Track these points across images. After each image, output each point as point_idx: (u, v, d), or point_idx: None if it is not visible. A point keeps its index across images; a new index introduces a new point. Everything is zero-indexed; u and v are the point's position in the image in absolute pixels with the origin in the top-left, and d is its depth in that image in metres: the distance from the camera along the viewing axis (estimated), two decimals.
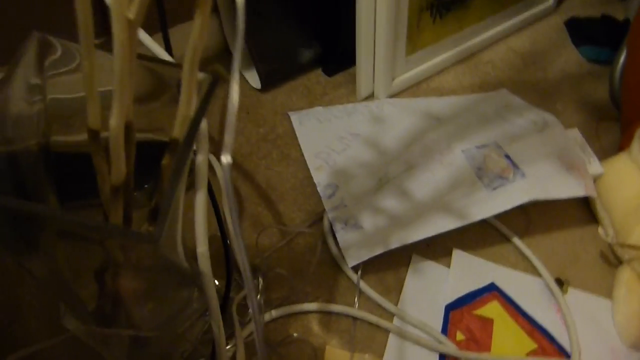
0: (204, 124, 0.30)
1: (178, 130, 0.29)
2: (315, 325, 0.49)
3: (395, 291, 0.52)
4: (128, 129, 0.28)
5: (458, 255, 0.54)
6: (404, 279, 0.53)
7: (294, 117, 0.63)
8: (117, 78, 0.25)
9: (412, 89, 0.70)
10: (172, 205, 0.24)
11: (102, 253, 0.33)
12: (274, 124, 0.63)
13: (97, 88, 0.28)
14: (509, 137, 0.56)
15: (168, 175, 0.30)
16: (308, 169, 0.59)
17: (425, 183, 0.54)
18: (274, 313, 0.48)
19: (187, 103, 0.28)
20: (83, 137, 0.31)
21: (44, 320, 0.45)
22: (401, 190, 0.53)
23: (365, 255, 0.50)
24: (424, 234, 0.50)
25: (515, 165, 0.54)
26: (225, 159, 0.23)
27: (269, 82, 0.66)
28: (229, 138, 0.23)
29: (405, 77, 0.68)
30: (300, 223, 0.55)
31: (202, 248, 0.33)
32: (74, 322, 0.44)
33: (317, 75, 0.69)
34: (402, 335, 0.49)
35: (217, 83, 0.27)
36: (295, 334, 0.48)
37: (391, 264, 0.53)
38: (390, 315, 0.50)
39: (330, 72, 0.69)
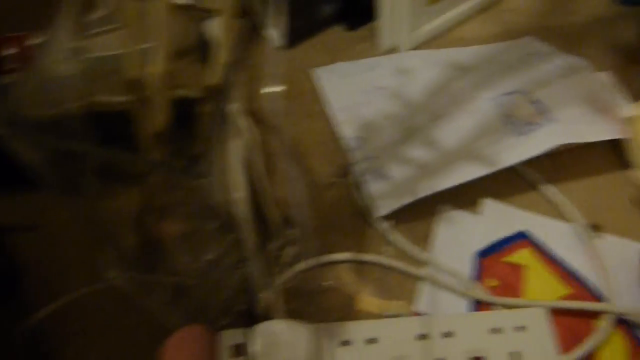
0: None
1: (217, 77, 0.29)
2: (347, 275, 0.50)
3: (424, 240, 0.53)
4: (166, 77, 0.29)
5: (487, 203, 0.54)
6: (433, 228, 0.53)
7: (317, 73, 0.63)
8: (157, 25, 0.26)
9: (434, 41, 0.69)
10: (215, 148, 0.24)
11: (143, 199, 0.34)
12: (298, 80, 0.63)
13: (136, 38, 0.28)
14: (536, 83, 0.56)
15: (206, 122, 0.30)
16: (333, 124, 0.59)
17: (452, 132, 0.54)
18: (307, 263, 0.49)
19: (226, 50, 0.28)
20: (122, 95, 0.31)
21: (86, 273, 0.47)
22: (428, 140, 0.54)
23: (394, 204, 0.50)
24: (452, 182, 0.51)
25: (544, 111, 0.53)
26: (275, 89, 0.24)
27: (292, 38, 0.66)
28: (274, 68, 0.24)
29: (427, 28, 0.67)
30: (328, 176, 0.55)
31: (240, 193, 0.33)
32: (114, 272, 0.46)
33: (338, 31, 0.69)
34: (433, 283, 0.50)
35: (254, 29, 0.28)
36: (328, 283, 0.49)
37: (420, 214, 0.54)
38: (420, 264, 0.51)
39: (351, 27, 0.69)
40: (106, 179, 0.32)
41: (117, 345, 0.44)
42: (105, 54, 0.32)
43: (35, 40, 0.50)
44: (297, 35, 0.66)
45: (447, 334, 0.45)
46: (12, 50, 0.48)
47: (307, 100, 0.61)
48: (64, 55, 0.28)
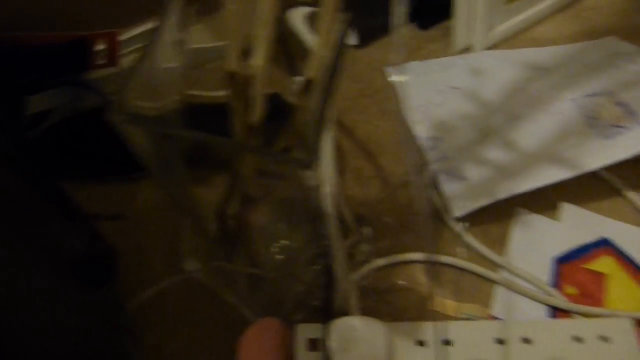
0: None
1: (313, 71, 0.29)
2: (420, 275, 0.50)
3: (499, 243, 0.52)
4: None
5: (567, 208, 0.52)
6: (509, 232, 0.52)
7: (391, 72, 0.63)
8: (262, 17, 0.26)
9: (510, 40, 0.67)
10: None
11: (230, 187, 0.34)
12: (371, 79, 0.63)
13: (238, 31, 0.29)
14: (622, 84, 0.54)
15: (302, 115, 0.31)
16: (407, 123, 0.59)
17: (531, 133, 0.52)
18: (381, 261, 0.49)
19: (325, 43, 0.28)
20: (218, 89, 0.32)
21: (167, 264, 0.48)
22: (506, 141, 0.52)
23: (470, 205, 0.50)
24: (532, 185, 0.49)
25: (632, 113, 0.51)
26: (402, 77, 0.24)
27: (366, 37, 0.66)
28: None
29: (504, 27, 0.66)
30: (401, 175, 0.55)
31: (328, 188, 0.34)
32: (194, 263, 0.47)
33: (412, 30, 0.68)
34: (509, 287, 0.49)
35: (352, 22, 0.28)
36: (402, 283, 0.49)
37: (495, 217, 0.52)
38: (495, 267, 0.50)
39: (425, 25, 0.68)
40: (198, 165, 0.33)
41: (196, 335, 0.45)
42: (203, 46, 0.33)
43: (124, 37, 0.52)
44: (371, 32, 0.66)
45: (526, 340, 0.44)
46: (102, 46, 0.50)
47: (381, 98, 0.61)
48: (170, 48, 0.29)
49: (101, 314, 0.35)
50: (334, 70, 0.26)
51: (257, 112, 0.29)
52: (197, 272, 0.46)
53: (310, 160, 0.22)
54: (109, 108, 0.24)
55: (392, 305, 0.48)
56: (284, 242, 0.43)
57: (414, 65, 0.63)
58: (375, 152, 0.57)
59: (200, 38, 0.33)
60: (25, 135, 0.45)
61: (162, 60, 0.29)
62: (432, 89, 0.60)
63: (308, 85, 0.30)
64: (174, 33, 0.30)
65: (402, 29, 0.67)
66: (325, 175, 0.33)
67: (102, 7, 0.48)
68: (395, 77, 0.62)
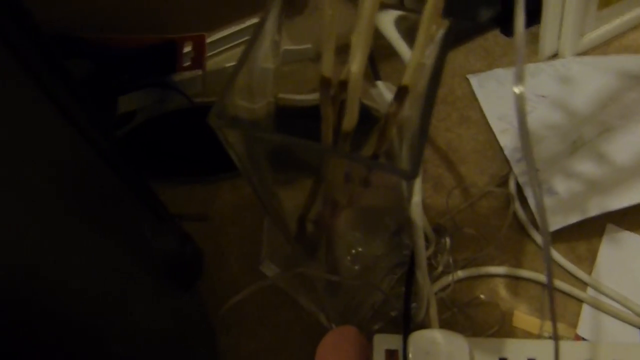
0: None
1: (408, 78, 0.29)
2: (502, 290, 0.48)
3: (587, 261, 0.49)
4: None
5: None
6: (597, 249, 0.49)
7: (474, 79, 0.61)
8: (363, 24, 0.26)
9: (601, 47, 0.64)
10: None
11: (311, 194, 0.34)
12: (452, 86, 0.62)
13: (334, 36, 0.28)
14: None
15: (393, 122, 0.30)
16: (489, 132, 0.57)
17: (627, 146, 0.50)
18: (461, 273, 0.48)
19: (422, 49, 0.28)
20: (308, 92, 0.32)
21: (245, 267, 0.49)
22: (598, 154, 0.50)
23: (560, 222, 0.47)
24: (627, 202, 0.47)
25: None
26: (518, 89, 0.23)
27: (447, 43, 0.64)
28: (519, 69, 0.23)
29: (595, 34, 0.63)
30: (483, 186, 0.53)
31: (417, 197, 0.33)
32: (272, 266, 0.47)
33: (496, 36, 0.66)
34: (598, 307, 0.46)
35: (453, 30, 0.27)
36: (482, 296, 0.47)
37: (582, 233, 0.50)
38: (582, 285, 0.48)
39: (510, 31, 0.66)
40: (286, 168, 0.33)
41: (272, 339, 0.46)
42: (292, 48, 0.33)
43: (210, 39, 0.53)
44: (452, 39, 0.64)
45: None
46: (189, 48, 0.51)
47: (462, 105, 0.59)
48: (269, 50, 0.29)
49: (189, 316, 0.36)
50: (435, 78, 0.25)
51: (352, 119, 0.29)
52: (276, 276, 0.46)
53: (414, 171, 0.21)
54: (210, 112, 0.24)
55: (472, 320, 0.46)
56: (364, 249, 0.43)
57: (498, 72, 0.61)
58: (455, 161, 0.56)
59: (289, 38, 0.33)
60: (115, 134, 0.47)
61: (260, 63, 0.29)
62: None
63: (402, 92, 0.29)
64: (271, 34, 0.30)
65: (486, 35, 0.66)
66: (415, 185, 0.33)
67: (190, 10, 0.49)
68: (477, 85, 0.60)
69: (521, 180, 0.51)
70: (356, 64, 0.27)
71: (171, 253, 0.29)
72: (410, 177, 0.21)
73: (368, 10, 0.25)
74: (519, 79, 0.23)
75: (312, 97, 0.34)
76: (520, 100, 0.23)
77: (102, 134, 0.30)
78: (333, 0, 0.28)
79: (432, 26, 0.27)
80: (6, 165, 0.19)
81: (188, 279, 0.32)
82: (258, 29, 0.27)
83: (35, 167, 0.22)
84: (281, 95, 0.35)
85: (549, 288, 0.29)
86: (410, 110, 0.29)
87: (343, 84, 0.30)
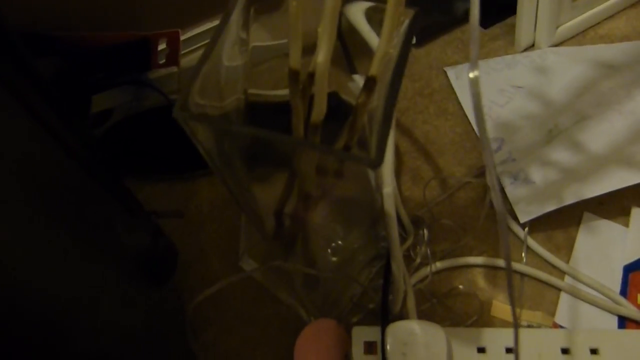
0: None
1: (376, 68, 0.29)
2: (480, 280, 0.48)
3: (564, 250, 0.49)
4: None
5: (639, 213, 0.50)
6: (575, 238, 0.50)
7: (451, 71, 0.61)
8: (327, 15, 0.26)
9: (577, 37, 0.65)
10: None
11: (289, 185, 0.34)
12: (429, 78, 0.62)
13: (300, 28, 0.28)
14: None
15: (363, 114, 0.30)
16: (466, 123, 0.57)
17: (602, 134, 0.50)
18: (439, 265, 0.48)
19: (389, 39, 0.27)
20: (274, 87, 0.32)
21: (225, 263, 0.49)
22: (574, 143, 0.50)
23: (537, 211, 0.48)
24: (602, 189, 0.47)
25: None
26: (473, 74, 0.23)
27: (424, 36, 0.64)
28: (474, 51, 0.23)
29: (571, 24, 0.63)
30: (461, 177, 0.54)
31: (388, 188, 0.33)
32: (250, 262, 0.47)
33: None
34: (576, 295, 0.47)
35: (419, 17, 0.27)
36: (461, 287, 0.47)
37: (560, 222, 0.50)
38: (560, 274, 0.48)
39: (486, 23, 0.66)
40: (258, 163, 0.33)
41: (251, 333, 0.46)
42: (262, 44, 0.33)
43: (185, 36, 0.52)
44: (429, 32, 0.65)
45: (594, 351, 0.42)
46: (164, 46, 0.51)
47: (439, 98, 0.60)
48: (233, 46, 0.29)
49: (164, 312, 0.36)
50: (399, 68, 0.25)
51: (320, 110, 0.29)
52: (254, 271, 0.46)
53: (378, 159, 0.21)
54: (175, 105, 0.24)
55: (451, 310, 0.46)
56: (340, 242, 0.43)
57: None
58: (433, 153, 0.56)
59: (258, 36, 0.33)
60: (90, 133, 0.46)
61: (225, 59, 0.29)
62: (494, 89, 0.58)
63: (370, 82, 0.29)
64: (236, 32, 0.30)
65: (462, 27, 0.66)
66: (386, 175, 0.33)
67: (164, 6, 0.49)
68: (454, 77, 0.61)
69: (498, 170, 0.51)
70: (322, 54, 0.26)
71: (143, 249, 0.29)
72: (375, 165, 0.21)
73: (332, 1, 0.25)
74: (473, 65, 0.23)
75: (283, 93, 0.34)
76: (474, 86, 0.23)
77: (72, 132, 0.29)
78: None
79: (398, 15, 0.27)
80: None
81: (162, 275, 0.32)
82: (221, 26, 0.27)
83: (1, 165, 0.22)
84: (252, 91, 0.34)
85: (508, 268, 0.29)
86: (378, 101, 0.29)
87: (312, 76, 0.30)
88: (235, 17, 0.29)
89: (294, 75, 0.29)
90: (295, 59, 0.29)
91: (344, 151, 0.28)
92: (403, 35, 0.27)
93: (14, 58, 0.26)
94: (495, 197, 0.24)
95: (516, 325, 0.32)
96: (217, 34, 0.27)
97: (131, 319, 0.28)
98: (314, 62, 0.29)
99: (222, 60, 0.28)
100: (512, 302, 0.30)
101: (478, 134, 0.25)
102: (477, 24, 0.24)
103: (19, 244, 0.22)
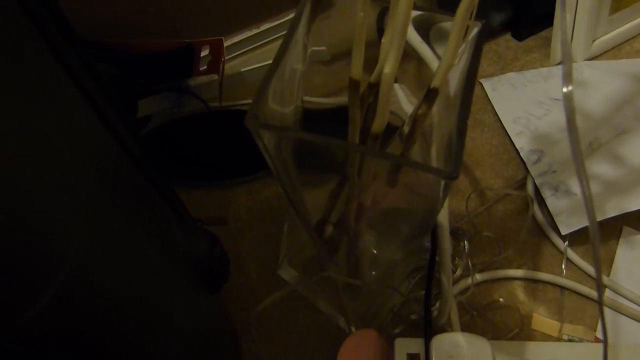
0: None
1: (439, 80, 0.29)
2: (520, 293, 0.48)
3: (604, 264, 0.49)
4: None
5: None
6: (614, 252, 0.49)
7: (487, 83, 0.61)
8: (398, 25, 0.26)
9: (612, 51, 0.65)
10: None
11: (331, 198, 0.34)
12: None
13: (363, 41, 0.28)
14: None
15: (421, 123, 0.30)
16: (503, 135, 0.57)
17: None
18: (479, 277, 0.48)
19: (454, 51, 0.28)
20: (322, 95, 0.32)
21: (263, 271, 0.49)
22: (615, 156, 0.50)
23: (578, 223, 0.47)
24: None
25: None
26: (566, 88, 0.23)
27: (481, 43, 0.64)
28: (566, 67, 0.23)
29: (607, 38, 0.63)
30: (500, 189, 0.54)
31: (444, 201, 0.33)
32: (290, 270, 0.47)
33: (507, 40, 0.67)
34: (617, 309, 0.46)
35: (485, 31, 0.27)
36: (501, 299, 0.47)
37: (600, 236, 0.50)
38: (600, 287, 0.48)
39: (521, 36, 0.66)
40: (311, 170, 0.33)
41: (291, 343, 0.45)
42: (314, 49, 0.33)
43: (227, 43, 0.53)
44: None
45: None
46: (206, 53, 0.51)
47: (475, 110, 0.60)
48: (300, 52, 0.29)
49: (217, 320, 0.36)
50: (471, 80, 0.25)
51: (382, 120, 0.29)
52: (299, 281, 0.46)
53: (456, 171, 0.21)
54: (247, 114, 0.24)
55: (492, 323, 0.46)
56: (383, 252, 0.42)
57: (511, 76, 0.62)
58: (471, 165, 0.56)
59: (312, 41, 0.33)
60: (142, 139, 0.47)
61: (292, 65, 0.29)
62: (531, 101, 0.58)
63: (432, 94, 0.29)
64: (302, 39, 0.30)
65: (497, 39, 0.66)
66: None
67: (208, 14, 0.50)
68: (490, 89, 0.61)
69: (539, 182, 0.51)
70: (389, 65, 0.27)
71: (201, 255, 0.29)
72: (452, 177, 0.21)
73: (403, 10, 0.25)
74: (567, 78, 0.23)
75: (334, 100, 0.34)
76: (568, 101, 0.23)
77: (133, 136, 0.30)
78: (364, 2, 0.28)
79: (465, 27, 0.27)
80: (56, 167, 0.20)
81: (216, 282, 0.32)
82: (291, 31, 0.27)
83: (80, 169, 0.22)
84: (306, 99, 0.35)
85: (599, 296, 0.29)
86: (436, 114, 0.29)
87: (371, 87, 0.30)
88: (303, 22, 0.29)
89: (354, 85, 0.30)
90: (357, 70, 0.29)
91: (417, 162, 0.28)
92: (472, 47, 0.27)
93: (85, 64, 0.27)
94: (587, 206, 0.24)
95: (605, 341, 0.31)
96: (286, 40, 0.27)
97: (191, 325, 0.28)
98: (376, 72, 0.29)
99: (289, 67, 0.28)
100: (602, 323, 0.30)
101: (570, 149, 0.25)
102: (567, 39, 0.24)
103: (99, 245, 0.22)
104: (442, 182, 0.24)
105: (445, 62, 0.28)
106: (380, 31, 0.31)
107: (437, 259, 0.43)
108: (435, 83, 0.29)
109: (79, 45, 0.25)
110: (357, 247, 0.40)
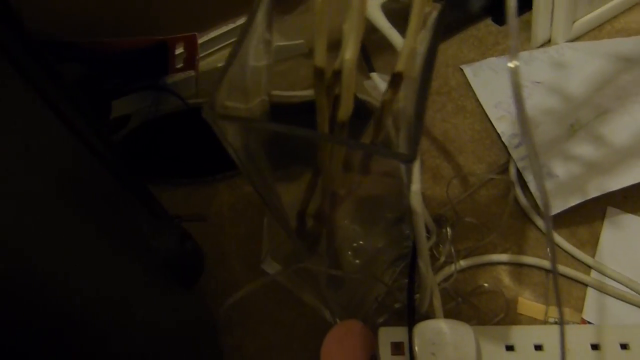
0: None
1: (402, 64, 0.28)
2: (505, 277, 0.48)
3: (589, 245, 0.49)
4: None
5: None
6: (599, 233, 0.49)
7: (468, 69, 0.61)
8: (355, 9, 0.25)
9: (593, 32, 0.64)
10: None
11: (308, 189, 0.34)
12: (446, 77, 0.61)
13: (325, 26, 0.28)
14: None
15: (389, 109, 0.30)
16: (485, 121, 0.57)
17: (624, 127, 0.49)
18: (463, 263, 0.47)
19: (415, 34, 0.27)
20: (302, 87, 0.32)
21: (247, 266, 0.48)
22: (596, 136, 0.50)
23: (561, 205, 0.47)
24: (625, 182, 0.46)
25: None
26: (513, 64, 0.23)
27: (440, 26, 0.64)
28: (514, 42, 0.23)
29: (588, 18, 0.63)
30: (482, 174, 0.53)
31: (416, 185, 0.33)
32: (273, 264, 0.47)
33: (488, 25, 0.66)
34: (603, 290, 0.46)
35: (446, 11, 0.27)
36: (486, 285, 0.47)
37: (584, 217, 0.50)
38: (586, 270, 0.48)
39: (502, 20, 0.66)
40: (281, 163, 0.33)
41: (276, 336, 0.45)
42: (285, 44, 0.33)
43: (202, 40, 0.52)
44: (444, 30, 0.64)
45: (624, 346, 0.41)
46: (181, 50, 0.51)
47: (457, 96, 0.59)
48: (258, 47, 0.29)
49: (194, 315, 0.35)
50: (430, 62, 0.25)
51: (347, 107, 0.28)
52: (278, 274, 0.46)
53: (412, 154, 0.21)
54: (204, 105, 0.24)
55: (477, 309, 0.46)
56: (364, 243, 0.42)
57: (492, 61, 0.61)
58: (453, 151, 0.55)
59: (281, 35, 0.32)
60: (111, 138, 0.47)
61: (251, 60, 0.29)
62: None
63: (397, 79, 0.29)
64: (261, 32, 0.29)
65: (478, 24, 0.65)
66: (414, 172, 0.32)
67: (181, 10, 0.49)
68: (471, 75, 0.60)
69: (520, 165, 0.50)
70: (349, 51, 0.26)
71: (171, 251, 0.29)
72: (409, 160, 0.21)
73: None
74: (514, 54, 0.23)
75: (305, 93, 0.34)
76: (514, 76, 0.23)
77: (98, 136, 0.29)
78: None
79: (424, 9, 0.26)
80: (6, 168, 0.19)
81: (190, 278, 0.32)
82: (247, 26, 0.27)
83: (34, 170, 0.22)
84: (275, 93, 0.34)
85: (553, 270, 0.29)
86: (404, 99, 0.29)
87: (337, 74, 0.30)
88: (260, 17, 0.28)
89: (319, 73, 0.29)
90: (320, 57, 0.29)
91: (374, 145, 0.28)
92: (432, 29, 0.27)
93: (41, 65, 0.26)
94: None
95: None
96: (242, 34, 0.27)
97: (162, 322, 0.28)
98: (340, 59, 0.29)
99: (247, 62, 0.28)
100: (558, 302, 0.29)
101: (520, 127, 0.24)
102: (515, 13, 0.23)
103: (54, 246, 0.22)
104: (402, 166, 0.24)
105: (407, 45, 0.28)
106: None
107: None
108: (399, 67, 0.29)
109: (35, 47, 0.25)
110: (336, 237, 0.40)
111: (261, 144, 0.31)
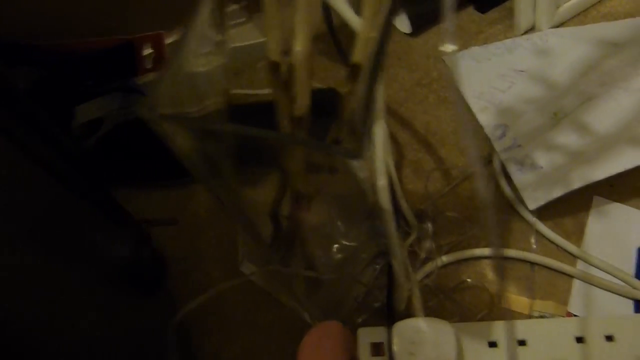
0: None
1: (359, 54, 0.27)
2: (489, 272, 0.46)
3: (575, 235, 0.48)
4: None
5: None
6: (585, 224, 0.48)
7: (450, 59, 0.59)
8: (302, 2, 0.24)
9: (578, 17, 0.63)
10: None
11: (282, 186, 0.33)
12: (427, 68, 0.60)
13: (278, 20, 0.27)
14: None
15: (348, 102, 0.29)
16: (469, 112, 0.56)
17: (609, 114, 0.48)
18: (445, 258, 0.46)
19: (369, 23, 0.26)
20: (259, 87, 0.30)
21: (224, 269, 0.47)
22: (581, 125, 0.48)
23: (545, 197, 0.46)
24: (611, 171, 0.45)
25: None
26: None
27: (419, 25, 0.63)
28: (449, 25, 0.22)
29: (572, 3, 0.61)
30: (464, 167, 0.52)
31: (382, 181, 0.31)
32: (250, 266, 0.46)
33: (470, 14, 0.65)
34: (589, 281, 0.45)
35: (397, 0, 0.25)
36: (469, 280, 0.46)
37: (569, 208, 0.48)
38: (571, 261, 0.46)
39: (484, 8, 0.64)
40: (248, 166, 0.31)
41: (254, 340, 0.44)
42: (247, 44, 0.32)
43: (171, 39, 0.51)
44: (425, 19, 0.63)
45: (609, 338, 0.40)
46: (149, 50, 0.49)
47: (439, 87, 0.58)
48: (205, 49, 0.28)
49: (149, 322, 0.34)
50: (380, 53, 0.24)
51: (302, 102, 0.27)
52: (254, 275, 0.45)
53: (360, 149, 0.20)
54: (142, 107, 0.23)
55: (460, 305, 0.45)
56: (340, 241, 0.41)
57: (474, 50, 0.60)
58: (435, 144, 0.54)
59: (246, 36, 0.31)
60: (76, 144, 0.45)
61: (198, 63, 0.28)
62: (494, 74, 0.56)
63: (354, 70, 0.28)
64: (210, 34, 0.28)
65: (460, 13, 0.64)
66: (379, 167, 0.31)
67: (146, 8, 0.48)
68: (453, 64, 0.59)
69: (503, 157, 0.49)
70: (300, 42, 0.25)
71: (125, 259, 0.28)
72: (354, 156, 0.20)
73: None
74: (451, 37, 0.22)
75: (267, 91, 0.33)
76: (451, 62, 0.22)
77: (46, 144, 0.28)
78: None
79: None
80: None
81: (148, 285, 0.31)
82: (186, 30, 0.26)
83: None
84: (235, 92, 0.33)
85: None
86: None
87: (291, 68, 0.29)
88: (202, 20, 0.27)
89: (273, 67, 0.28)
90: (273, 50, 0.28)
91: (326, 143, 0.26)
92: (384, 18, 0.25)
93: None
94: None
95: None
96: (181, 40, 0.26)
97: (116, 331, 0.27)
98: (292, 52, 0.27)
99: (191, 66, 0.27)
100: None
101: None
102: None
103: None
104: (354, 163, 0.22)
105: (362, 35, 0.27)
106: None
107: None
108: (355, 58, 0.27)
109: None
110: (308, 237, 0.39)
111: (221, 147, 0.29)
